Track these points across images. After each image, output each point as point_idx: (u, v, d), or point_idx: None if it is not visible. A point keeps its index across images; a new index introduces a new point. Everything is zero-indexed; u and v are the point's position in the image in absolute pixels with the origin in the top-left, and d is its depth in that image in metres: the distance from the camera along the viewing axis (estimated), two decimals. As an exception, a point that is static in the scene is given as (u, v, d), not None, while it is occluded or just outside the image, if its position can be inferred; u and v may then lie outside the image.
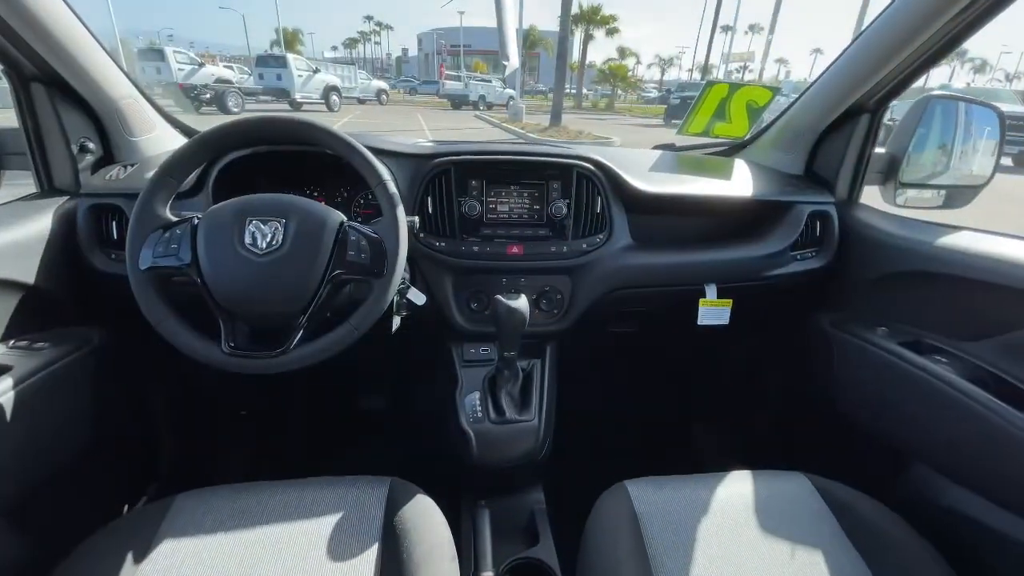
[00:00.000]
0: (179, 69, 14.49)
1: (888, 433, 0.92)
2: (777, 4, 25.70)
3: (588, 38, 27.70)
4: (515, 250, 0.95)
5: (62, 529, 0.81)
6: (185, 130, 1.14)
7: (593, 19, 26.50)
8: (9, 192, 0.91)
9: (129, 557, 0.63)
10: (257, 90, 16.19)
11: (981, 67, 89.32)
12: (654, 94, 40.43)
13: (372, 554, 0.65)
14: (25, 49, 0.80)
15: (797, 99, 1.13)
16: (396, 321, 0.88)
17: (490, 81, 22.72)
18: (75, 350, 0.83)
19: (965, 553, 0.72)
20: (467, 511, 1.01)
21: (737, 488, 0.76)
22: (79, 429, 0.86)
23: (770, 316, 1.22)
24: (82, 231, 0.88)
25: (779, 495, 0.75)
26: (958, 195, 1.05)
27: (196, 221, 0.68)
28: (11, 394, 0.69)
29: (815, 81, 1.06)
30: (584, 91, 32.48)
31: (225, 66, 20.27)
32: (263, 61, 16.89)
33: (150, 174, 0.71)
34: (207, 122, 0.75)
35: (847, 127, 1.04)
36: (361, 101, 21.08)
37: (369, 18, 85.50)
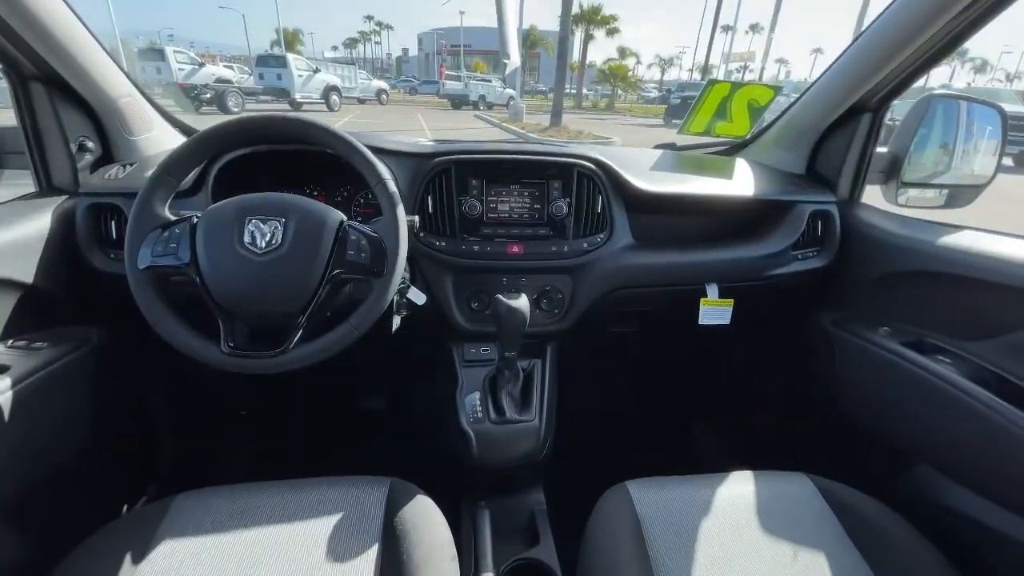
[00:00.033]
0: (179, 69, 14.50)
1: (890, 433, 0.92)
2: (777, 4, 25.70)
3: (588, 38, 27.72)
4: (515, 249, 0.94)
5: (61, 529, 0.81)
6: (184, 129, 1.14)
7: (593, 19, 26.51)
8: (8, 191, 0.90)
9: (128, 558, 0.62)
10: (257, 90, 16.19)
11: (982, 67, 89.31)
12: (654, 94, 40.44)
13: (372, 555, 0.64)
14: (24, 48, 0.80)
15: (799, 98, 1.12)
16: (396, 321, 0.87)
17: (490, 81, 22.72)
18: (74, 350, 0.82)
19: (967, 553, 0.72)
20: (467, 511, 1.00)
21: (738, 488, 0.76)
22: (78, 429, 0.86)
23: (771, 316, 1.22)
24: (81, 230, 0.87)
25: (781, 496, 0.75)
26: (960, 195, 1.05)
27: (195, 220, 0.68)
28: (9, 394, 0.69)
29: (817, 80, 1.05)
30: (584, 91, 32.47)
31: (225, 66, 20.30)
32: (263, 61, 16.88)
33: (149, 173, 0.70)
34: (207, 122, 0.75)
35: (849, 126, 1.03)
36: (361, 101, 21.09)
37: (369, 18, 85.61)
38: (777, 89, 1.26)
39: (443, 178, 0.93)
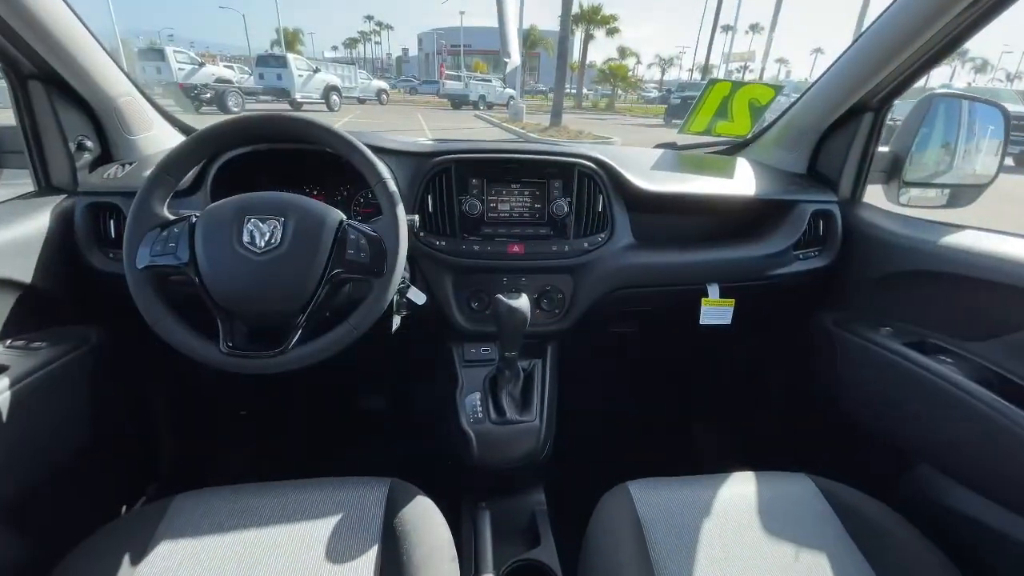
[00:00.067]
0: (179, 69, 14.51)
1: (891, 433, 0.91)
2: (777, 4, 25.69)
3: (588, 38, 27.71)
4: (516, 249, 0.94)
5: (60, 529, 0.80)
6: (183, 128, 1.14)
7: (593, 19, 26.50)
8: (7, 191, 0.90)
9: (126, 559, 0.62)
10: (257, 90, 16.18)
11: (982, 67, 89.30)
12: (654, 94, 40.42)
13: (372, 555, 0.64)
14: (23, 47, 0.80)
15: (800, 97, 1.12)
16: (396, 321, 0.87)
17: (490, 81, 22.72)
18: (73, 349, 0.82)
19: (969, 554, 0.72)
20: (467, 512, 1.00)
21: (740, 489, 0.76)
22: (77, 429, 0.86)
23: (772, 316, 1.21)
24: (80, 230, 0.87)
25: (782, 497, 0.75)
26: (962, 194, 1.04)
27: (194, 219, 0.68)
28: (8, 394, 0.68)
29: (818, 79, 1.05)
30: (584, 91, 32.47)
31: (225, 66, 20.30)
32: (263, 61, 16.88)
33: (148, 172, 0.70)
34: (206, 121, 0.74)
35: (850, 125, 1.03)
36: (361, 101, 21.10)
37: (369, 18, 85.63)
38: (778, 88, 1.26)
39: (443, 177, 0.93)
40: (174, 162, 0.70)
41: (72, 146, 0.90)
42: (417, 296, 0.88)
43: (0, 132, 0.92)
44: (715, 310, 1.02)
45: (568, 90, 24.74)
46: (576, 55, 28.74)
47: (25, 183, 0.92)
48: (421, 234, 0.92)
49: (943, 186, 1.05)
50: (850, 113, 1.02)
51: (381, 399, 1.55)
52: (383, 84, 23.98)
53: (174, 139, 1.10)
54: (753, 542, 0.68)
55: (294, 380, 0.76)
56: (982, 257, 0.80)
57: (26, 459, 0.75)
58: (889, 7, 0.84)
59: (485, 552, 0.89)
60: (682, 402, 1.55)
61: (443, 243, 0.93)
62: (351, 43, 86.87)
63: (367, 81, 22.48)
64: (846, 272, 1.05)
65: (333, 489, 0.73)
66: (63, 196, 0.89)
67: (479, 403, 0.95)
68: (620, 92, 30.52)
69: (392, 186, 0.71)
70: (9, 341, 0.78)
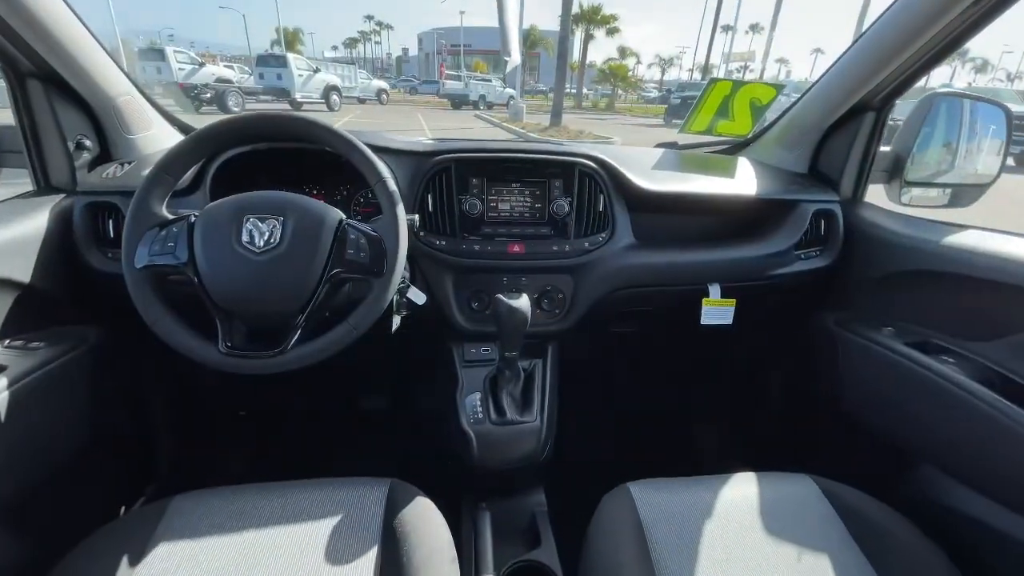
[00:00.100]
0: (179, 69, 14.51)
1: (893, 433, 0.91)
2: (777, 4, 25.68)
3: (588, 38, 27.69)
4: (516, 249, 0.94)
5: (59, 530, 0.80)
6: (183, 128, 1.13)
7: (593, 19, 26.49)
8: (5, 190, 0.90)
9: (125, 560, 0.62)
10: (257, 90, 16.19)
11: (982, 67, 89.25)
12: (654, 94, 40.43)
13: (371, 556, 0.64)
14: (22, 46, 0.79)
15: (801, 97, 1.12)
16: (396, 321, 0.87)
17: (490, 81, 22.72)
18: (71, 349, 0.82)
19: (972, 555, 0.72)
20: (468, 513, 1.00)
21: (742, 490, 0.75)
22: (76, 429, 0.86)
23: (774, 316, 1.21)
24: (78, 229, 0.87)
25: (784, 497, 0.75)
26: (964, 194, 1.04)
27: (193, 219, 0.67)
28: (6, 394, 0.68)
29: (819, 78, 1.05)
30: (584, 91, 32.46)
31: (225, 66, 20.29)
32: (263, 61, 16.88)
33: (146, 171, 0.70)
34: (206, 121, 0.74)
35: (852, 125, 1.03)
36: (361, 100, 21.10)
37: (369, 18, 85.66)
38: (779, 88, 1.25)
39: (443, 177, 0.92)
40: (173, 161, 0.69)
41: (71, 145, 0.90)
42: (417, 296, 0.87)
43: None
44: (716, 310, 1.02)
45: (568, 90, 24.74)
46: (576, 55, 28.74)
47: (24, 182, 0.92)
48: (421, 234, 0.92)
49: (945, 186, 1.05)
50: (851, 112, 1.01)
51: (381, 399, 1.55)
52: (383, 84, 23.98)
53: (173, 138, 1.09)
54: (755, 543, 0.68)
55: (294, 380, 0.75)
56: (984, 257, 0.79)
57: (24, 459, 0.74)
58: (891, 6, 0.84)
59: (485, 553, 0.89)
60: (683, 402, 1.55)
61: (443, 243, 0.93)
62: (351, 43, 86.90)
63: (367, 81, 22.49)
64: (848, 272, 1.05)
65: (333, 489, 0.73)
66: (62, 195, 0.88)
67: (479, 403, 0.95)
68: (620, 92, 30.53)
69: (392, 185, 0.71)
70: (7, 341, 0.78)
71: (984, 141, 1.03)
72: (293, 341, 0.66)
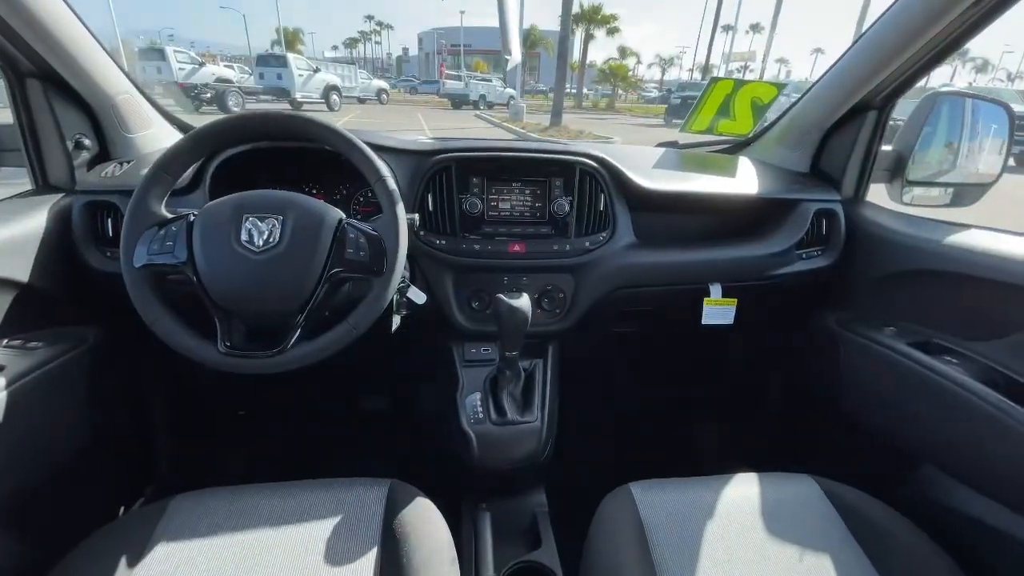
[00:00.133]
0: (180, 68, 14.50)
1: (895, 433, 0.91)
2: (778, 4, 25.67)
3: (589, 38, 27.68)
4: (517, 248, 0.93)
5: (58, 531, 0.80)
6: (182, 127, 1.13)
7: (594, 18, 26.48)
8: (4, 189, 0.90)
9: (124, 560, 0.61)
10: (257, 89, 16.20)
11: (983, 67, 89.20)
12: (655, 94, 40.44)
13: (371, 557, 0.64)
14: (21, 45, 0.79)
15: (802, 96, 1.11)
16: (396, 320, 0.86)
17: (490, 80, 22.72)
18: (70, 349, 0.81)
19: (974, 556, 0.71)
20: (468, 514, 0.99)
21: (743, 490, 0.75)
22: (75, 429, 0.85)
23: (775, 315, 1.21)
24: (77, 228, 0.87)
25: (786, 498, 0.74)
26: (965, 193, 1.03)
27: (192, 218, 0.67)
28: (4, 394, 0.68)
29: (821, 77, 1.05)
30: (585, 91, 32.44)
31: (226, 65, 20.30)
32: (263, 60, 16.90)
33: (145, 170, 0.69)
34: (206, 121, 0.74)
35: (853, 124, 1.02)
36: (361, 100, 21.10)
37: (370, 18, 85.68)
38: (781, 87, 1.25)
39: (444, 176, 0.92)
40: (172, 160, 0.69)
41: (70, 144, 0.90)
42: (417, 295, 0.87)
43: None
44: (717, 310, 1.02)
45: (568, 90, 24.74)
46: (576, 55, 28.74)
47: (23, 182, 0.92)
48: (421, 233, 0.92)
49: (946, 185, 1.05)
50: (853, 111, 1.01)
51: (381, 399, 1.55)
52: (383, 84, 23.98)
53: (172, 137, 1.09)
54: (756, 544, 0.67)
55: (293, 380, 0.75)
56: (987, 256, 0.79)
57: (23, 460, 0.74)
58: (892, 6, 0.84)
59: (485, 554, 0.88)
60: (684, 402, 1.55)
61: (443, 242, 0.92)
62: (351, 43, 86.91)
63: (367, 81, 22.48)
64: (849, 271, 1.04)
65: (332, 490, 0.72)
66: (61, 195, 0.88)
67: (479, 403, 0.95)
68: (620, 92, 30.53)
69: (392, 184, 0.70)
70: (6, 341, 0.77)
71: (986, 140, 1.02)
72: (292, 341, 0.66)
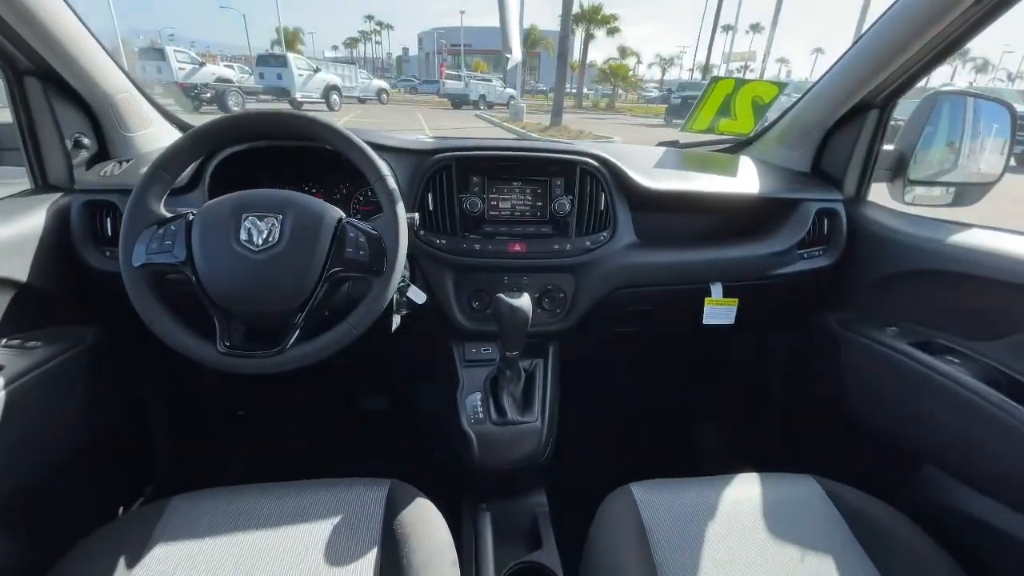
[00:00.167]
0: (180, 68, 14.50)
1: (897, 434, 0.90)
2: (778, 4, 25.67)
3: (589, 37, 27.70)
4: (517, 248, 0.93)
5: (57, 531, 0.80)
6: (182, 126, 1.13)
7: (594, 18, 26.49)
8: (3, 189, 0.89)
9: (123, 561, 0.61)
10: (258, 89, 16.21)
11: (983, 67, 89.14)
12: (655, 94, 40.45)
13: (371, 558, 0.63)
14: (20, 43, 0.79)
15: (803, 95, 1.11)
16: (396, 320, 0.86)
17: (490, 80, 22.71)
18: (69, 348, 0.81)
19: (976, 556, 0.71)
20: (468, 514, 0.99)
21: (745, 491, 0.75)
22: (74, 429, 0.85)
23: (776, 315, 1.20)
24: (76, 228, 0.86)
25: (788, 498, 0.74)
26: (967, 193, 1.03)
27: (191, 217, 0.67)
28: (3, 394, 0.67)
29: (822, 77, 1.04)
30: (585, 91, 32.43)
31: (226, 65, 20.28)
32: (264, 60, 16.92)
33: (144, 169, 0.69)
34: (206, 120, 0.74)
35: (855, 123, 1.02)
36: (362, 100, 21.11)
37: (370, 18, 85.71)
38: (781, 86, 1.25)
39: (444, 175, 0.92)
40: (171, 159, 0.69)
41: (69, 143, 0.89)
42: (417, 295, 0.87)
43: None
44: (718, 310, 1.01)
45: (568, 90, 24.73)
46: (576, 55, 28.74)
47: (21, 181, 0.92)
48: (421, 232, 0.91)
49: (948, 184, 1.04)
50: (854, 111, 1.01)
51: (381, 399, 1.55)
52: (383, 83, 23.98)
53: (172, 136, 1.09)
54: (758, 545, 0.67)
55: (293, 380, 0.75)
56: (989, 256, 0.79)
57: (22, 459, 0.74)
58: (892, 6, 0.84)
59: (486, 554, 0.88)
60: (685, 402, 1.54)
61: (443, 241, 0.92)
62: (351, 43, 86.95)
63: (367, 80, 22.49)
64: (851, 271, 1.04)
65: (332, 491, 0.72)
66: (59, 194, 0.88)
67: (480, 403, 0.94)
68: (620, 92, 30.54)
69: (392, 183, 0.70)
70: (5, 340, 0.77)
71: (987, 140, 1.02)
72: (292, 340, 0.65)
